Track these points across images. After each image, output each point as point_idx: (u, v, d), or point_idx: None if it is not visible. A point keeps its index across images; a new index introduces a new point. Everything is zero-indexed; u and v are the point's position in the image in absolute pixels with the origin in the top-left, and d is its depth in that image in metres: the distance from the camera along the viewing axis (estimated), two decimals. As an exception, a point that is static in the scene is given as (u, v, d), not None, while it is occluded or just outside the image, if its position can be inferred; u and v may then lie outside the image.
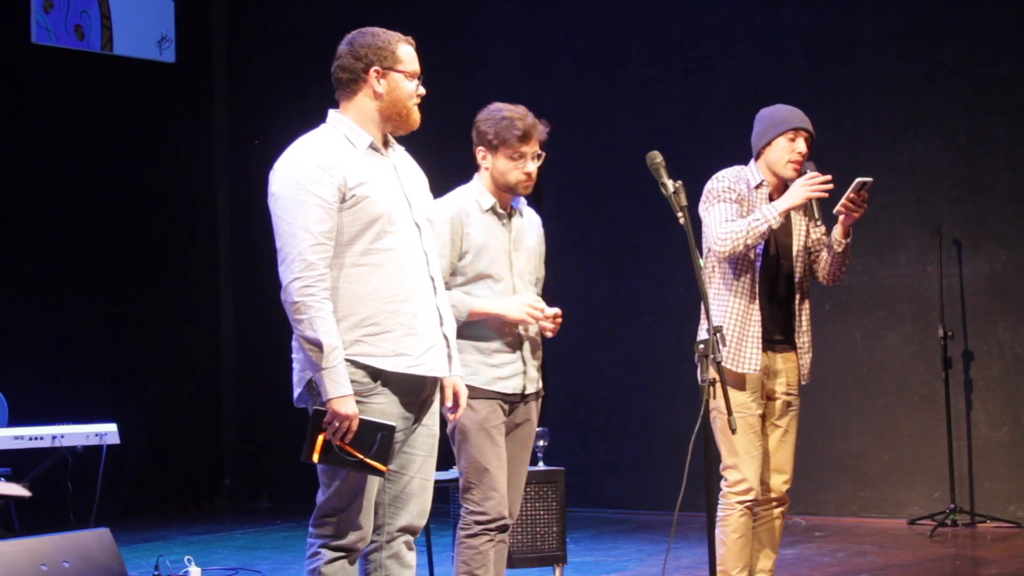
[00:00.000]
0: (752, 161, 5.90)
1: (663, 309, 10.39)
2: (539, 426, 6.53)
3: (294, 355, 4.43)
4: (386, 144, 4.58)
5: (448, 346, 4.58)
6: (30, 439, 7.45)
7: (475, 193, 5.46)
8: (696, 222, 5.43)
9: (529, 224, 5.60)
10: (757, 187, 5.82)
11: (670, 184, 5.11)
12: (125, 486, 10.80)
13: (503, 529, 5.37)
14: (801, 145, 5.79)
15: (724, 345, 5.55)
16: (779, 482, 5.87)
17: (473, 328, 5.32)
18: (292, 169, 4.38)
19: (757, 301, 5.76)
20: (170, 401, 11.77)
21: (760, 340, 5.76)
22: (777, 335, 5.86)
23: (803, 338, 5.90)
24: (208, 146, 12.31)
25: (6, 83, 10.77)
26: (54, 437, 7.46)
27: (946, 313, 9.30)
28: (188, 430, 11.95)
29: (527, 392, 5.46)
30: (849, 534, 9.05)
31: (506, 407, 5.41)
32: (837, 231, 5.84)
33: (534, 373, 5.50)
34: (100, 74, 11.38)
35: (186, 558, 7.53)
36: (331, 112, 4.57)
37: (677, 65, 10.50)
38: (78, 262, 11.11)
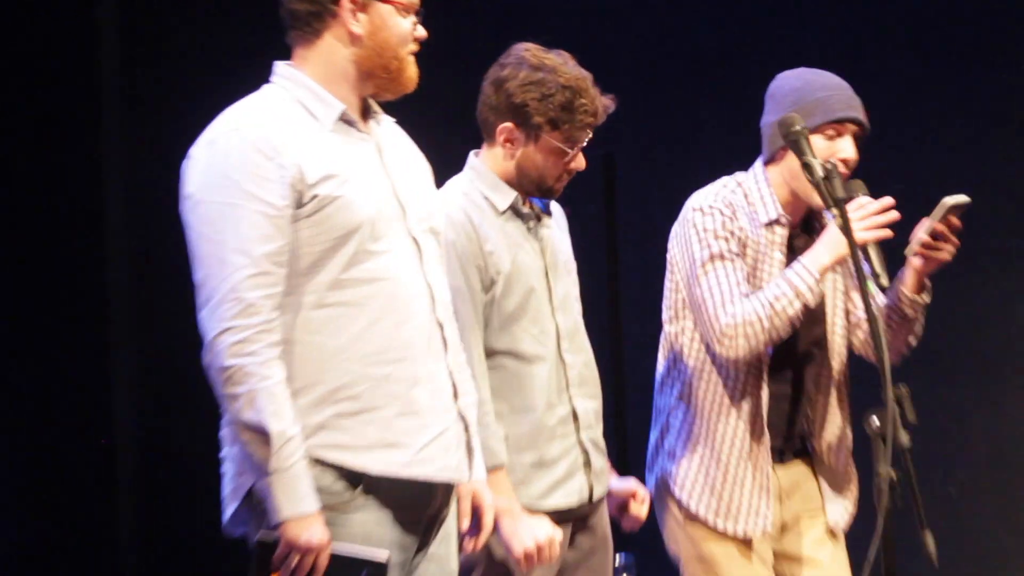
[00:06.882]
0: (759, 167, 3.86)
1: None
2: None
3: (224, 450, 3.08)
4: (366, 115, 3.20)
5: (467, 431, 3.14)
6: None
7: (481, 187, 3.63)
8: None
9: (558, 227, 3.78)
10: (769, 225, 3.81)
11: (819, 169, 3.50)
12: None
13: None
14: (847, 148, 3.70)
15: (911, 420, 3.64)
16: None
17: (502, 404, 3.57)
18: (219, 158, 3.03)
19: (763, 412, 3.77)
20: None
21: (768, 487, 3.81)
22: (779, 441, 3.88)
23: (825, 442, 3.90)
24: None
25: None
26: None
27: None
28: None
29: (595, 497, 3.65)
30: None
31: (568, 526, 3.60)
32: (908, 283, 3.77)
33: (601, 462, 3.68)
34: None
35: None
36: (279, 65, 3.16)
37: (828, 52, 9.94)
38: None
